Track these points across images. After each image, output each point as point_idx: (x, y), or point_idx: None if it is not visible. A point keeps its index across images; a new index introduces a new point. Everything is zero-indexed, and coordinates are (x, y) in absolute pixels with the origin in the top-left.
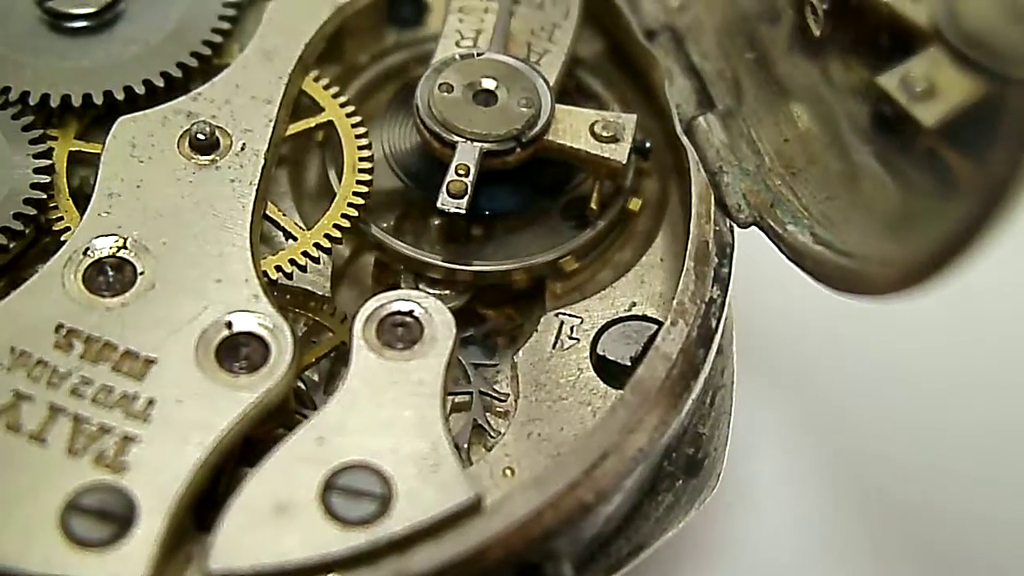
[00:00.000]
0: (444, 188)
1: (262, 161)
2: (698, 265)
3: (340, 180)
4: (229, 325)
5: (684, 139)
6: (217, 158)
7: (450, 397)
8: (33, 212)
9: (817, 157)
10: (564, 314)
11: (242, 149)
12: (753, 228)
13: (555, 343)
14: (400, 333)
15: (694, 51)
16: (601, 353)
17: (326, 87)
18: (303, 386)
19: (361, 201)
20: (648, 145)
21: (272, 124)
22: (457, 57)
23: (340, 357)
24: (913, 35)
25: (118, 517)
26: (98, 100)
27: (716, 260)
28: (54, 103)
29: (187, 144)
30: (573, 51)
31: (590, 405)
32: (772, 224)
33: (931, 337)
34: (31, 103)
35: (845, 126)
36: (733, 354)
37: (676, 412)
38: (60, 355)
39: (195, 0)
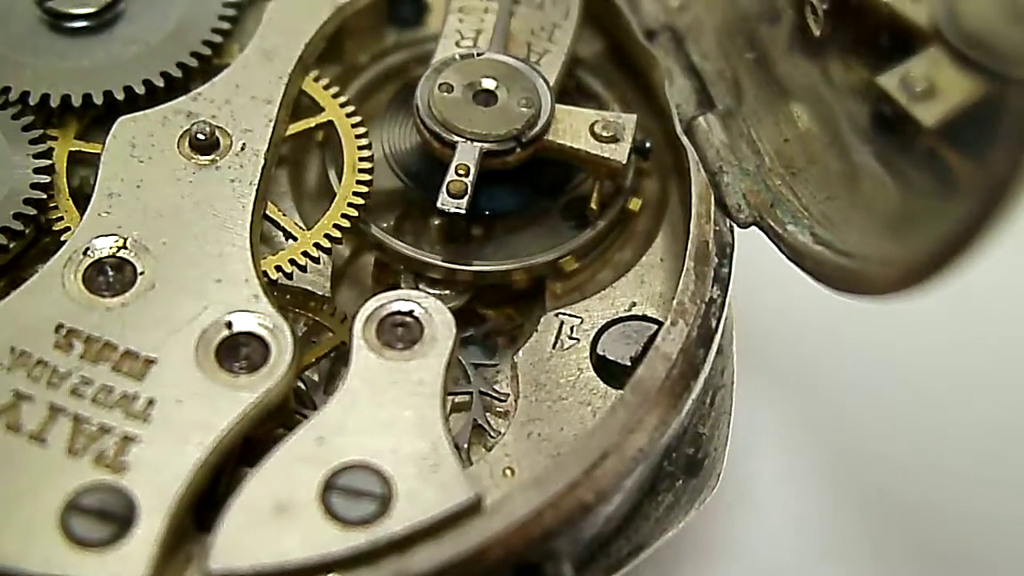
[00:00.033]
0: (444, 188)
1: (262, 161)
2: (698, 265)
3: (340, 180)
4: (229, 325)
5: (684, 139)
6: (217, 158)
7: (450, 397)
8: (33, 212)
9: (817, 157)
10: (564, 314)
11: (242, 149)
12: (753, 228)
13: (555, 343)
14: (400, 333)
15: (694, 51)
16: (601, 353)
17: (326, 87)
18: (303, 386)
19: (361, 201)
20: (648, 145)
21: (272, 124)
22: (457, 57)
23: (340, 357)
24: (913, 35)
25: (118, 517)
26: (98, 100)
27: (716, 260)
28: (54, 103)
29: (187, 144)
30: (573, 51)
31: (590, 405)
32: (772, 224)
33: (931, 337)
34: (31, 103)
35: (845, 126)
36: (733, 354)
37: (676, 412)
38: (60, 355)
39: (195, 0)
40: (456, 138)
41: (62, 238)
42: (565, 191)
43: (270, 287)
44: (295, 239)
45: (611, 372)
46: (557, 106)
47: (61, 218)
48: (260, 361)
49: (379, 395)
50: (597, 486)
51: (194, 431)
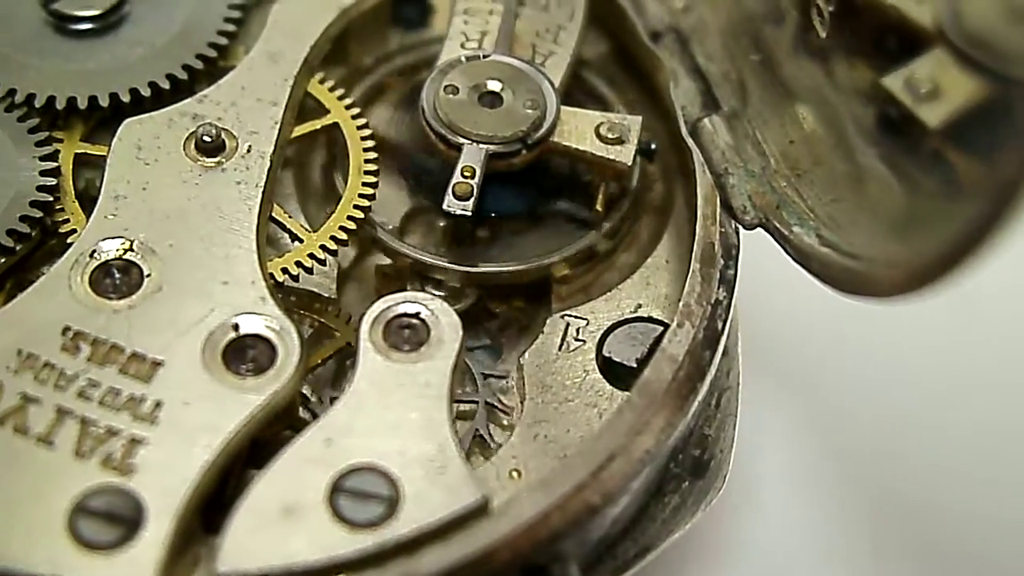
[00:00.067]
0: (450, 190)
1: (268, 163)
2: (704, 267)
3: (346, 182)
4: (236, 327)
5: (689, 141)
6: (223, 160)
7: (456, 404)
8: (39, 214)
9: (823, 159)
10: (570, 316)
11: (248, 151)
12: (759, 230)
13: (561, 345)
14: (407, 335)
15: (699, 53)
16: (607, 355)
17: (331, 89)
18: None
19: (367, 203)
20: (653, 147)
21: (278, 126)
22: (463, 59)
23: (346, 358)
24: (917, 36)
25: (126, 519)
26: (104, 102)
27: (722, 262)
28: (60, 105)
29: (193, 146)
30: (578, 53)
31: (596, 407)
32: (778, 226)
33: (936, 338)
34: (37, 105)
35: (850, 128)
36: (739, 356)
37: (682, 414)
38: (67, 357)
39: (200, 2)
40: (462, 140)
41: (68, 240)
42: (570, 193)
43: (276, 289)
44: (301, 241)
45: (617, 374)
46: (562, 108)
47: (67, 220)
48: (267, 363)
49: (386, 397)
50: (604, 488)
51: (201, 433)
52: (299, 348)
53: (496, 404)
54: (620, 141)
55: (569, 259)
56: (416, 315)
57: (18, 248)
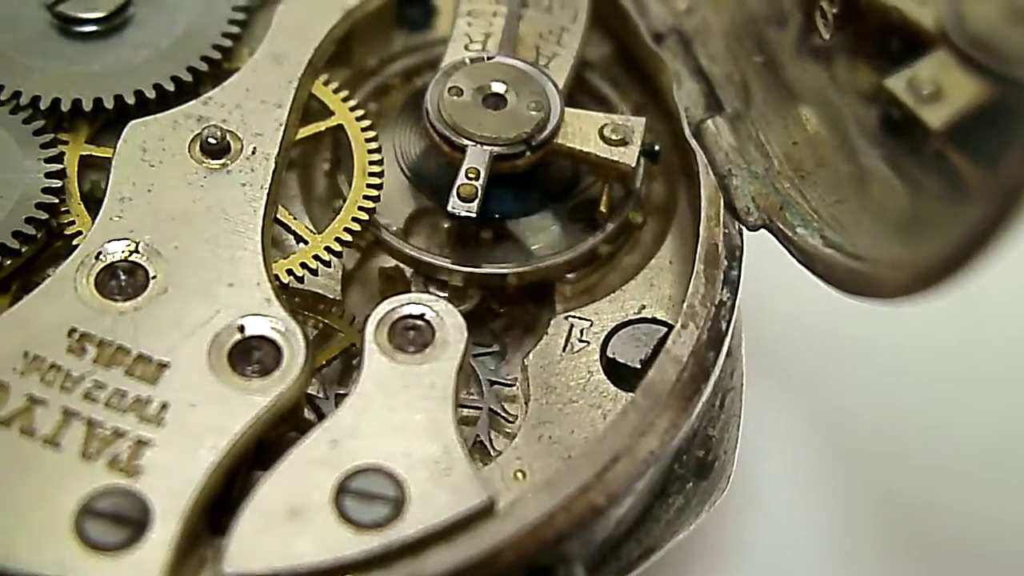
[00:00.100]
0: (454, 191)
1: (273, 165)
2: (708, 268)
3: (350, 184)
4: (241, 329)
5: (693, 142)
6: (228, 162)
7: (460, 409)
8: (45, 216)
9: (826, 160)
10: (574, 317)
11: (253, 153)
12: (762, 231)
13: (565, 346)
14: (412, 336)
15: (702, 54)
16: (611, 356)
17: (336, 91)
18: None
19: (371, 205)
20: (657, 148)
21: (282, 128)
22: (467, 61)
23: (351, 359)
24: (920, 38)
25: (133, 521)
26: (109, 104)
27: (726, 263)
28: (65, 107)
29: (198, 148)
30: (582, 54)
31: (600, 408)
32: (782, 227)
33: (940, 339)
34: (42, 107)
35: (854, 129)
36: (742, 356)
37: (687, 415)
38: (73, 359)
39: (204, 5)
40: (466, 141)
41: (74, 242)
42: (574, 194)
43: (281, 291)
44: (306, 243)
45: (621, 375)
46: (566, 109)
47: (73, 222)
48: (273, 365)
49: (391, 399)
50: (609, 489)
51: (207, 435)
52: (304, 349)
53: (499, 411)
54: (624, 143)
55: (573, 260)
56: (421, 316)
57: (24, 250)
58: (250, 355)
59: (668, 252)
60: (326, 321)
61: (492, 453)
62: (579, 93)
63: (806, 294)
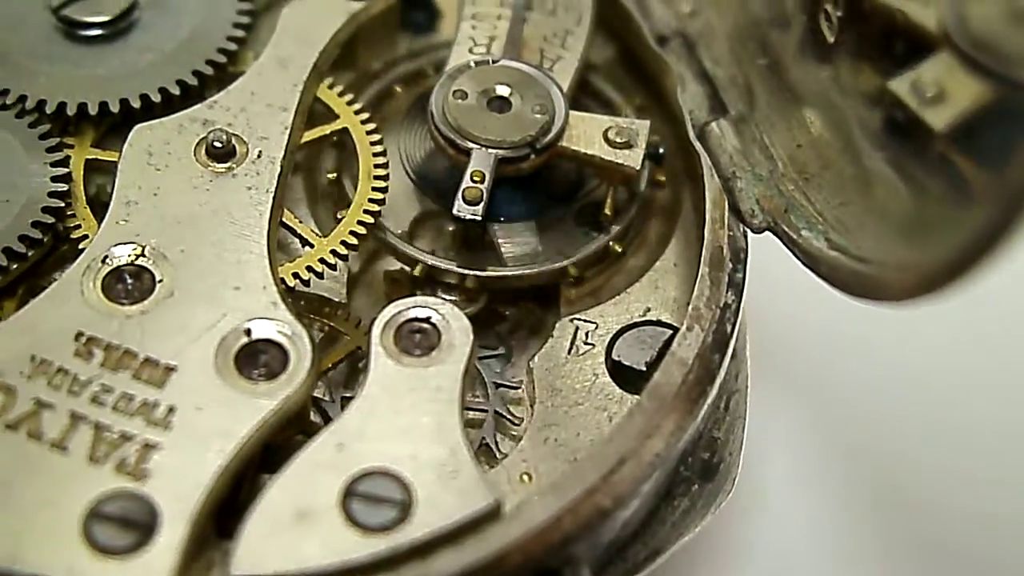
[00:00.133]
0: (460, 194)
1: (278, 168)
2: (713, 271)
3: (355, 187)
4: (248, 332)
5: (697, 145)
6: (234, 166)
7: (465, 412)
8: (51, 220)
9: (830, 162)
10: (579, 319)
11: (258, 156)
12: (767, 233)
13: (570, 348)
14: (418, 340)
15: (706, 57)
16: (616, 358)
17: (340, 94)
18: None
19: (377, 208)
20: (661, 151)
21: (288, 131)
22: (471, 64)
23: (357, 362)
24: (923, 40)
25: (140, 524)
26: (114, 108)
27: (730, 265)
28: (70, 111)
29: (204, 152)
30: (586, 57)
31: (606, 410)
32: (786, 229)
33: (943, 341)
34: (48, 111)
35: (857, 131)
36: (747, 359)
37: (692, 417)
38: (80, 363)
39: (209, 8)
40: (471, 145)
41: (80, 246)
42: (579, 197)
43: (287, 294)
44: (312, 246)
45: (626, 377)
46: (571, 112)
47: (79, 226)
48: (279, 368)
49: (398, 402)
50: (614, 491)
51: (215, 438)
52: (311, 353)
53: (505, 414)
54: (628, 145)
55: (578, 263)
56: (427, 319)
57: (30, 254)
58: (256, 358)
59: (673, 255)
60: (332, 324)
61: (498, 456)
62: (583, 96)
63: (810, 296)
